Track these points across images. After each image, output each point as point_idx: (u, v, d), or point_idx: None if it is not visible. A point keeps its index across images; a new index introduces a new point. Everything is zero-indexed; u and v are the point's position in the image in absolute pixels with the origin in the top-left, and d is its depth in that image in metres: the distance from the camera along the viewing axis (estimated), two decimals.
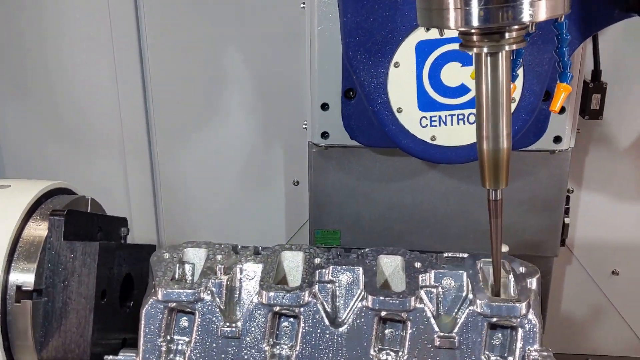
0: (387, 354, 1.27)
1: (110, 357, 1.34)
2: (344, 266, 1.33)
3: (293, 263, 1.39)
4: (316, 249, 1.40)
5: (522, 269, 1.33)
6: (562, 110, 1.77)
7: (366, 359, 1.26)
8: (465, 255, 1.63)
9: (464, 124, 1.58)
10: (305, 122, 1.89)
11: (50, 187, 1.60)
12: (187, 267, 1.39)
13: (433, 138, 1.59)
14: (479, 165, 1.15)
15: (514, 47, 1.03)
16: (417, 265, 1.35)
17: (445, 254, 1.43)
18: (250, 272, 1.35)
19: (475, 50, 1.04)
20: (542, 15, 0.95)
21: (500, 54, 1.04)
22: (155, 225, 2.59)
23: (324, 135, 1.85)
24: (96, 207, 1.69)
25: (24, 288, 1.39)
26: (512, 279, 1.31)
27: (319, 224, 1.97)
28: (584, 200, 2.35)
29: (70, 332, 1.41)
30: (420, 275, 1.31)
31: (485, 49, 1.03)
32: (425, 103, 1.58)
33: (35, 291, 1.40)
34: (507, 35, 1.01)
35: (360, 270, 1.32)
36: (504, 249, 1.43)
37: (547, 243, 1.95)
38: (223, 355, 1.28)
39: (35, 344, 1.40)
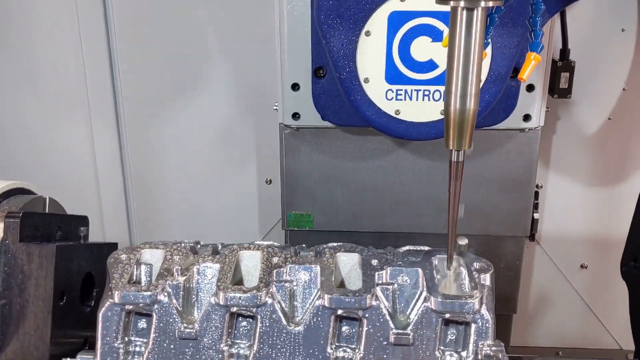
0: (344, 351, 1.29)
1: (68, 359, 1.34)
2: (301, 265, 1.34)
3: (251, 262, 1.40)
4: (275, 247, 1.41)
5: (476, 265, 1.35)
6: (531, 88, 1.79)
7: (323, 357, 1.28)
8: (425, 248, 1.66)
9: (429, 100, 1.57)
10: (277, 104, 1.86)
11: (7, 187, 1.59)
12: (144, 268, 1.39)
13: (397, 112, 1.57)
14: (444, 125, 1.16)
15: (490, 3, 1.05)
16: (374, 262, 1.36)
17: (403, 249, 1.45)
18: (208, 273, 1.35)
19: (452, 3, 1.06)
20: None
21: (475, 10, 1.05)
22: (126, 221, 2.59)
23: (295, 116, 1.82)
24: (56, 207, 1.67)
25: None
26: (466, 275, 1.33)
27: (291, 206, 1.96)
28: (553, 195, 2.38)
29: (28, 335, 1.41)
30: (377, 273, 1.33)
31: (462, 3, 1.05)
32: (392, 75, 1.56)
33: None
34: None
35: (317, 269, 1.33)
36: (463, 241, 1.45)
37: (518, 223, 1.95)
38: (181, 357, 1.28)
39: None
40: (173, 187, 2.53)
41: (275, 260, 1.37)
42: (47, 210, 1.62)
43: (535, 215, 1.97)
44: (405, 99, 1.58)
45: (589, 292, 2.50)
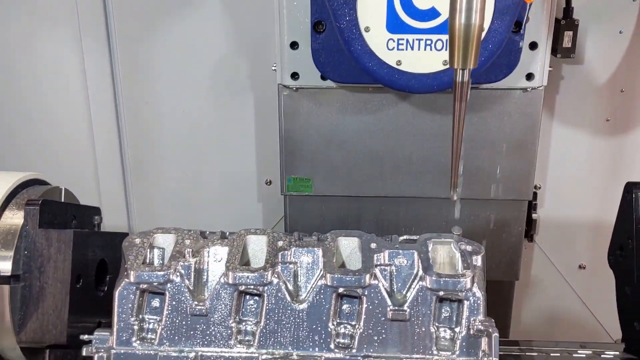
0: (345, 327, 1.38)
1: (86, 336, 1.42)
2: (304, 248, 1.43)
3: (258, 246, 1.49)
4: (279, 233, 1.49)
5: (468, 248, 1.44)
6: (535, 46, 1.76)
7: (325, 333, 1.36)
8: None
9: (430, 50, 1.53)
10: (275, 64, 1.82)
11: (25, 177, 1.68)
12: (157, 252, 1.48)
13: (398, 62, 1.53)
14: (448, 44, 1.16)
15: None
16: (373, 246, 1.45)
17: (401, 238, 1.53)
18: (217, 255, 1.44)
19: None
20: None
21: None
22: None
23: (294, 76, 1.78)
24: (70, 197, 1.76)
25: (1, 274, 1.46)
26: (460, 257, 1.42)
27: (290, 170, 1.93)
28: (552, 196, 2.40)
29: (47, 315, 1.49)
30: (375, 255, 1.41)
31: None
32: (393, 24, 1.52)
33: (13, 277, 1.47)
34: None
35: (320, 251, 1.42)
36: (458, 231, 1.54)
37: (520, 186, 1.90)
38: (192, 332, 1.37)
39: (14, 326, 1.48)
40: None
41: (280, 243, 1.46)
42: (62, 200, 1.71)
43: (534, 216, 1.97)
44: (406, 49, 1.53)
45: (587, 292, 2.53)
